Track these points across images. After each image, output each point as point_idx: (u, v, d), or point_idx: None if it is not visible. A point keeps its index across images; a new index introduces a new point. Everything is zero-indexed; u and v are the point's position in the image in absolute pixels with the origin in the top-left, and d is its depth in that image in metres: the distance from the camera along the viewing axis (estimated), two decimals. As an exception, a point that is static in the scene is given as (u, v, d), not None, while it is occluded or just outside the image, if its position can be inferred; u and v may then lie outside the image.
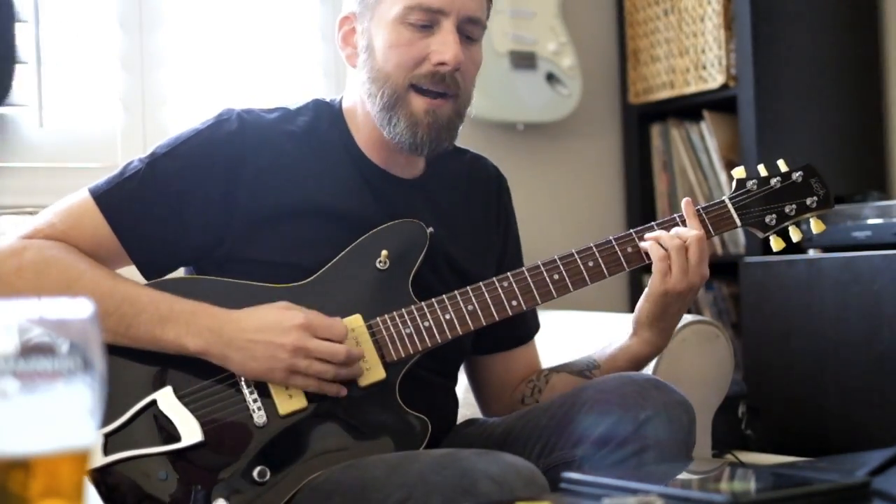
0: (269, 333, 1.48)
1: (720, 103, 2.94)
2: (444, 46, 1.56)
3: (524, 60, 2.91)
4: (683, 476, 1.35)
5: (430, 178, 1.71)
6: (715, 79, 2.89)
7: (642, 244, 1.61)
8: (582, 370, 1.71)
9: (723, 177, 2.95)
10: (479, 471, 1.33)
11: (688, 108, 3.03)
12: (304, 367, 1.48)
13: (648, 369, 1.90)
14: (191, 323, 1.49)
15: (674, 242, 1.58)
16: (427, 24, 1.56)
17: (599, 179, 3.18)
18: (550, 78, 2.95)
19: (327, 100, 1.72)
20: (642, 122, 3.14)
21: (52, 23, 2.46)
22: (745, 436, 2.57)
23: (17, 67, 1.25)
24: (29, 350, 0.72)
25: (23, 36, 2.44)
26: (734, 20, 2.85)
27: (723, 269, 2.87)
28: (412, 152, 1.61)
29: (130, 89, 2.53)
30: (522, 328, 1.80)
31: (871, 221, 2.48)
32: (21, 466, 0.71)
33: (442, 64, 1.56)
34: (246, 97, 2.63)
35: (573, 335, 2.13)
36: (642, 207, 3.14)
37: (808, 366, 2.56)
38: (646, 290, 1.62)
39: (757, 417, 2.60)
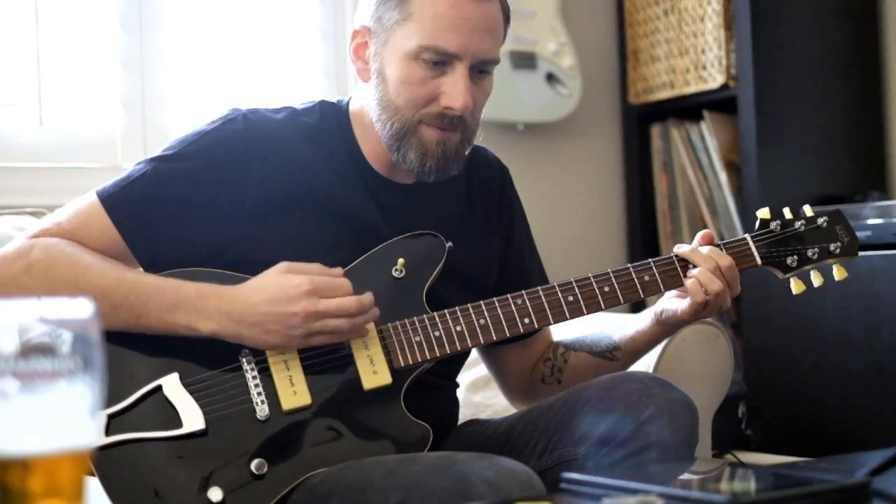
0: (278, 304, 1.48)
1: (720, 103, 2.94)
2: (454, 90, 1.56)
3: (524, 60, 2.91)
4: (683, 476, 1.35)
5: (430, 183, 1.71)
6: (715, 79, 2.89)
7: (687, 282, 1.62)
8: (603, 351, 1.73)
9: (723, 177, 2.95)
10: (475, 475, 1.33)
11: (688, 108, 3.03)
12: (319, 328, 1.48)
13: (649, 368, 1.90)
14: (199, 307, 1.49)
15: (717, 287, 1.59)
16: (440, 62, 1.56)
17: (599, 179, 3.18)
18: (550, 78, 2.95)
19: (334, 101, 1.72)
20: (642, 122, 3.14)
21: (52, 23, 2.46)
22: (745, 436, 2.57)
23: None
24: (29, 350, 0.72)
25: (23, 36, 2.44)
26: (734, 20, 2.85)
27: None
28: (420, 178, 1.62)
29: (130, 89, 2.53)
30: None
31: (871, 221, 2.48)
32: (21, 466, 0.72)
33: (450, 108, 1.57)
34: (246, 98, 2.63)
35: (571, 335, 2.12)
36: (642, 207, 3.13)
37: (808, 366, 2.56)
38: (674, 307, 1.64)
39: (757, 417, 2.60)
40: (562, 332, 1.84)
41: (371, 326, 1.55)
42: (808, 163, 2.86)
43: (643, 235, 3.10)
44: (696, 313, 1.62)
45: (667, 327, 1.69)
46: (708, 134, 2.98)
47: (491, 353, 1.83)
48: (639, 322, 1.71)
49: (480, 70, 1.60)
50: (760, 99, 2.79)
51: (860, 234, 2.47)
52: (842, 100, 2.94)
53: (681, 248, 1.66)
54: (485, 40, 1.58)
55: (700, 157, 3.01)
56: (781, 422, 2.62)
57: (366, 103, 1.64)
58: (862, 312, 2.44)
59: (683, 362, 1.95)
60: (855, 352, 2.45)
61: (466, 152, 1.65)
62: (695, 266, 1.62)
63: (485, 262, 1.74)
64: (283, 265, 1.51)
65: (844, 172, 2.91)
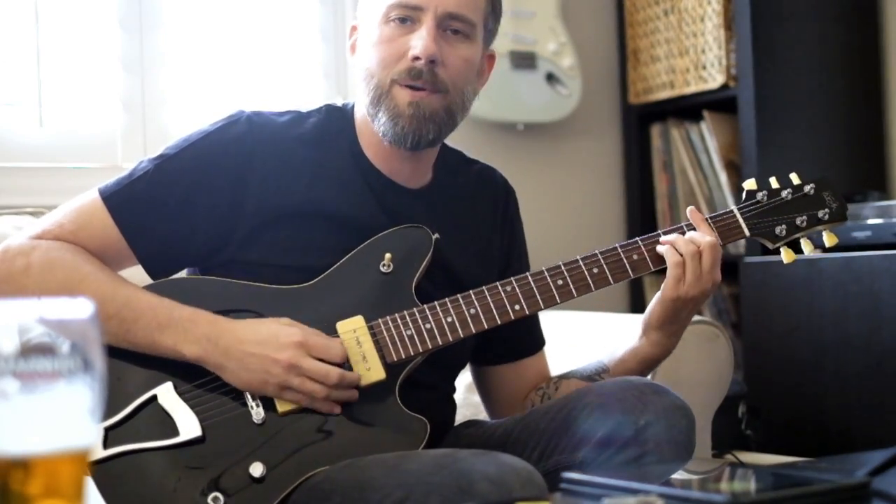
0: (265, 347, 1.49)
1: (720, 103, 2.94)
2: (417, 40, 1.57)
3: (524, 60, 2.91)
4: (683, 476, 1.35)
5: (436, 189, 1.71)
6: (715, 79, 2.89)
7: (659, 248, 1.60)
8: (591, 375, 1.71)
9: (723, 177, 2.95)
10: (476, 471, 1.33)
11: (688, 108, 3.03)
12: (296, 385, 1.49)
13: (649, 369, 1.90)
14: (189, 330, 1.50)
15: (689, 248, 1.58)
16: (407, 19, 1.58)
17: (599, 179, 3.18)
18: (550, 78, 2.95)
19: (339, 105, 1.72)
20: (642, 122, 3.14)
21: (52, 23, 2.46)
22: (745, 436, 2.57)
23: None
24: (29, 350, 0.72)
25: (23, 36, 2.44)
26: (734, 20, 2.85)
27: (723, 269, 2.86)
28: (396, 144, 1.61)
29: (130, 89, 2.53)
30: (530, 338, 1.80)
31: (871, 221, 2.48)
32: (21, 466, 0.72)
33: (416, 59, 1.57)
34: (246, 98, 2.63)
35: (572, 336, 2.13)
36: (642, 207, 3.14)
37: (808, 366, 2.56)
38: (657, 294, 1.61)
39: (757, 417, 2.60)
40: (564, 365, 1.82)
41: (362, 324, 1.55)
42: (808, 163, 2.86)
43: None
44: (678, 280, 1.57)
45: (654, 327, 1.63)
46: (708, 134, 2.98)
47: (483, 374, 1.82)
48: (628, 341, 1.69)
49: (454, 30, 1.60)
50: (760, 99, 2.79)
51: (860, 235, 2.48)
52: (842, 100, 2.94)
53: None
54: None
55: (700, 157, 3.01)
56: (781, 422, 2.62)
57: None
58: (862, 312, 2.44)
59: (683, 362, 1.95)
60: (855, 352, 2.45)
61: (449, 122, 1.62)
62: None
63: (485, 273, 1.73)
64: (286, 319, 1.53)
65: (844, 172, 2.90)
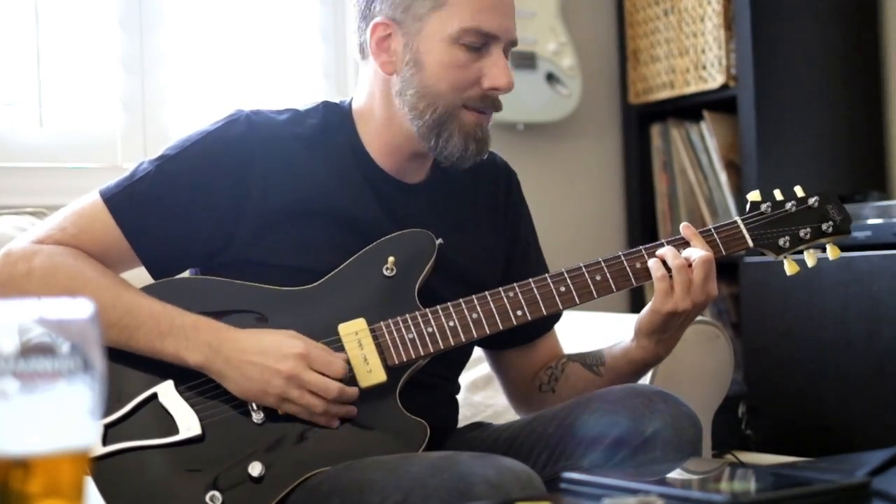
0: (266, 357, 1.49)
1: (720, 103, 2.94)
2: (498, 71, 1.59)
3: (524, 60, 2.91)
4: (683, 476, 1.35)
5: (436, 182, 1.71)
6: (715, 79, 2.90)
7: (649, 261, 1.60)
8: (591, 364, 1.72)
9: (723, 177, 2.95)
10: (475, 474, 1.33)
11: (688, 108, 3.03)
12: (295, 397, 1.49)
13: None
14: (191, 338, 1.50)
15: (677, 262, 1.57)
16: (479, 46, 1.59)
17: (599, 179, 3.18)
18: (550, 78, 2.95)
19: (336, 101, 1.72)
20: (642, 122, 3.14)
21: (52, 23, 2.46)
22: (745, 436, 2.57)
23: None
24: (29, 350, 0.72)
25: (23, 36, 2.44)
26: (734, 20, 2.85)
27: (723, 269, 2.86)
28: (458, 164, 1.63)
29: (130, 89, 2.53)
30: (540, 321, 1.79)
31: (871, 221, 2.48)
32: (21, 466, 0.72)
33: (495, 89, 1.60)
34: (246, 98, 2.64)
35: (571, 335, 2.12)
36: (642, 208, 3.14)
37: (808, 366, 2.56)
38: (648, 304, 1.61)
39: (757, 417, 2.60)
40: (577, 347, 1.82)
41: (364, 326, 1.56)
42: (808, 163, 2.86)
43: (643, 235, 3.10)
44: (665, 293, 1.56)
45: (644, 334, 1.62)
46: (708, 134, 2.98)
47: (495, 356, 1.83)
48: (625, 339, 1.68)
49: (505, 53, 1.63)
50: (760, 99, 2.79)
51: (860, 234, 2.48)
52: (842, 100, 2.94)
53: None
54: (513, 21, 1.63)
55: (700, 157, 3.01)
56: (781, 422, 2.62)
57: (398, 96, 1.62)
58: (862, 312, 2.44)
59: (683, 362, 1.95)
60: (855, 352, 2.45)
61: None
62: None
63: (489, 265, 1.74)
64: (291, 331, 1.53)
65: (844, 172, 2.91)
